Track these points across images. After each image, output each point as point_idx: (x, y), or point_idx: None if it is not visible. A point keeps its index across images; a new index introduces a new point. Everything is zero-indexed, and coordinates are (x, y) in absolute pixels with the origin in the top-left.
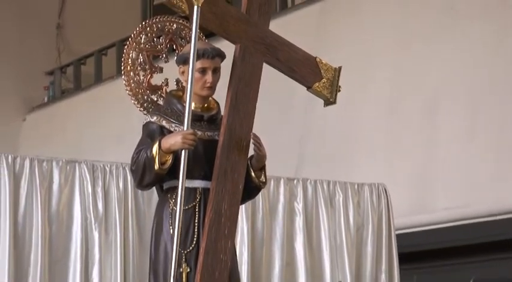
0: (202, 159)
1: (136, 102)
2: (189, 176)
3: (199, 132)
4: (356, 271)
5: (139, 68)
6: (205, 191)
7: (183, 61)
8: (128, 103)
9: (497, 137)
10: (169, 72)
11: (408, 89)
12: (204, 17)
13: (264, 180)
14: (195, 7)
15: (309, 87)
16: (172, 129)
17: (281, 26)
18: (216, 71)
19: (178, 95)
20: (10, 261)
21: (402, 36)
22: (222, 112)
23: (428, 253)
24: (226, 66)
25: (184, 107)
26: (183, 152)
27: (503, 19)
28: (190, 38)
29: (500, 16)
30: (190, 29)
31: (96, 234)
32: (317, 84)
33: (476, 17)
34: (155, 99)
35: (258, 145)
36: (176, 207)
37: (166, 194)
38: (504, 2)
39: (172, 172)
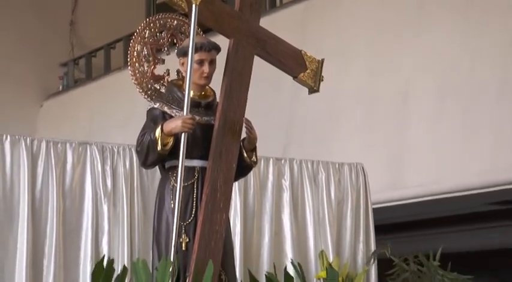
0: (200, 141)
1: (141, 91)
2: (188, 156)
3: (197, 117)
4: (337, 241)
5: (143, 60)
6: (203, 169)
7: (183, 53)
8: (133, 91)
9: (462, 122)
10: (171, 63)
11: (383, 78)
12: (202, 15)
13: (255, 160)
14: (194, 5)
15: (295, 77)
16: (173, 114)
17: (270, 23)
18: (212, 63)
19: (178, 84)
20: (29, 232)
21: (377, 31)
22: (218, 99)
23: (402, 225)
24: (221, 59)
25: (184, 94)
26: (182, 134)
27: (467, 16)
28: (189, 33)
29: (464, 14)
30: (189, 25)
31: (105, 208)
32: (302, 74)
33: (444, 15)
34: (158, 87)
35: (250, 129)
36: (176, 184)
37: (168, 172)
38: (468, 2)
39: (173, 153)
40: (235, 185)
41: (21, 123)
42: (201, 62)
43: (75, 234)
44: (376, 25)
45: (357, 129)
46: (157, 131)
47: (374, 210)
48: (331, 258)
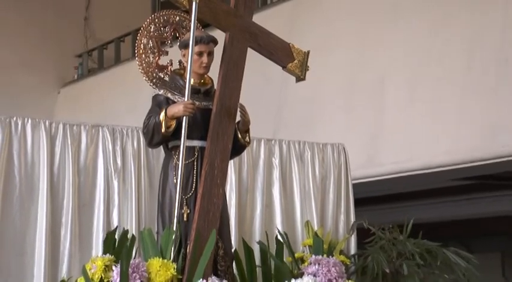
0: (200, 124)
1: (147, 79)
2: (189, 137)
3: (197, 103)
4: (320, 212)
5: (149, 52)
6: (202, 149)
7: (184, 46)
8: (140, 80)
9: (431, 107)
10: (174, 54)
11: (362, 67)
12: (201, 11)
13: (248, 141)
14: (194, 3)
15: (284, 67)
16: (175, 100)
17: (262, 18)
18: (211, 54)
19: (180, 73)
20: (48, 204)
21: (357, 26)
22: (215, 86)
23: (378, 198)
24: (218, 50)
25: (185, 82)
26: (184, 118)
27: (436, 13)
28: (190, 27)
29: (433, 11)
30: (190, 21)
31: (115, 183)
32: (290, 64)
33: (415, 11)
34: (162, 76)
35: (244, 113)
36: (179, 162)
37: (171, 151)
38: (437, 0)
39: (176, 134)
40: (231, 163)
41: (41, 108)
42: (200, 54)
43: (89, 206)
44: (356, 21)
45: (338, 113)
46: (162, 115)
47: (353, 185)
48: (315, 228)
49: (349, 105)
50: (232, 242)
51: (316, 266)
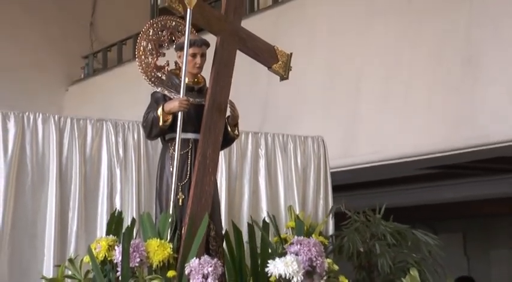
0: (193, 118)
1: (146, 78)
2: (184, 130)
3: (191, 99)
4: (302, 198)
5: (148, 54)
6: (195, 141)
7: (180, 48)
8: (140, 79)
9: (402, 103)
10: (170, 56)
11: (340, 66)
12: (195, 17)
13: (237, 133)
14: (188, 10)
15: (269, 68)
16: (172, 96)
17: (249, 24)
18: (203, 55)
19: (176, 72)
20: (57, 191)
21: (335, 31)
22: (208, 84)
23: (353, 185)
24: (210, 52)
25: (180, 81)
26: (179, 113)
27: (407, 15)
28: (185, 31)
29: (405, 13)
30: (185, 25)
31: (118, 172)
32: (275, 65)
33: (387, 14)
34: (160, 75)
35: (233, 108)
36: (175, 152)
37: (168, 143)
38: (408, 3)
39: (172, 127)
40: (222, 153)
41: (51, 104)
42: (194, 55)
43: (94, 193)
44: (333, 26)
45: (318, 109)
46: (159, 110)
47: (331, 173)
48: (297, 212)
49: (328, 102)
50: (223, 225)
51: (298, 246)
